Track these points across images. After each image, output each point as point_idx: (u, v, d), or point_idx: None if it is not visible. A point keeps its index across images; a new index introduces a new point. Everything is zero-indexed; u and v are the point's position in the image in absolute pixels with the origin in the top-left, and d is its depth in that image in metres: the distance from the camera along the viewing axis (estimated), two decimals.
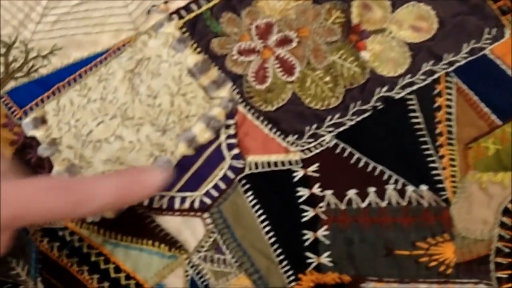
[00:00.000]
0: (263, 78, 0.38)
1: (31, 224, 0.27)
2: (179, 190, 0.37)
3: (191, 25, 0.40)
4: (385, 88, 0.37)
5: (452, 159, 0.36)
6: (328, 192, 0.36)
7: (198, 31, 0.40)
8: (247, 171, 0.37)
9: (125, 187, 0.29)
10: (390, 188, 0.36)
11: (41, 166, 0.38)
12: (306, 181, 0.36)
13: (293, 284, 0.35)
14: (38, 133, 0.38)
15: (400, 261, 0.35)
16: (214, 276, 0.35)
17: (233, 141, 0.37)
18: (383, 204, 0.35)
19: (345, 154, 0.37)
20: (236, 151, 0.37)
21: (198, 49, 0.39)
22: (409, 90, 0.37)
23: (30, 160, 0.38)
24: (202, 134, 0.37)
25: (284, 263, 0.35)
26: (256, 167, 0.37)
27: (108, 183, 0.29)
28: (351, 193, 0.36)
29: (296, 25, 0.39)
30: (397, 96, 0.37)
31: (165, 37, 0.40)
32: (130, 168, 0.29)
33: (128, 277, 0.36)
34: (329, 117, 0.37)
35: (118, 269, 0.36)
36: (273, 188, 0.36)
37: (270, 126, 0.37)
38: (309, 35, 0.39)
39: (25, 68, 0.40)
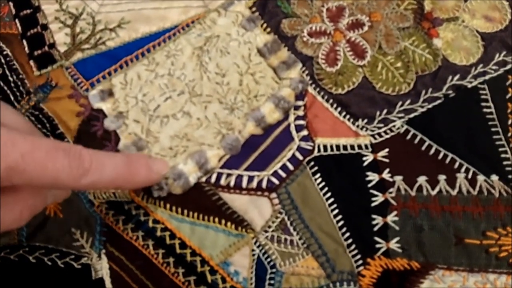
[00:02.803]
0: (333, 60, 0.38)
1: (31, 182, 0.25)
2: (247, 169, 0.36)
3: (261, 4, 0.40)
4: (457, 77, 0.37)
5: None
6: (398, 178, 0.36)
7: (268, 11, 0.39)
8: (315, 153, 0.36)
9: (133, 166, 0.29)
10: (460, 176, 0.35)
11: (107, 139, 0.37)
12: (376, 166, 0.36)
13: (361, 268, 0.34)
14: (105, 106, 0.38)
15: (470, 250, 0.34)
16: (280, 257, 0.35)
17: (302, 122, 0.37)
18: (454, 192, 0.35)
19: (416, 141, 0.36)
20: (304, 132, 0.37)
21: (268, 29, 0.39)
22: (481, 79, 0.37)
23: (96, 132, 0.38)
24: (271, 114, 0.37)
25: (352, 247, 0.35)
26: (325, 150, 0.36)
27: (117, 158, 0.29)
28: (422, 179, 0.35)
29: (368, 9, 0.39)
30: (470, 85, 0.37)
31: (234, 16, 0.39)
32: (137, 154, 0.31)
33: (193, 253, 0.35)
34: (400, 103, 0.37)
35: (183, 245, 0.35)
36: (342, 172, 0.36)
37: (340, 109, 0.37)
38: (381, 20, 0.39)
39: (92, 40, 0.39)
